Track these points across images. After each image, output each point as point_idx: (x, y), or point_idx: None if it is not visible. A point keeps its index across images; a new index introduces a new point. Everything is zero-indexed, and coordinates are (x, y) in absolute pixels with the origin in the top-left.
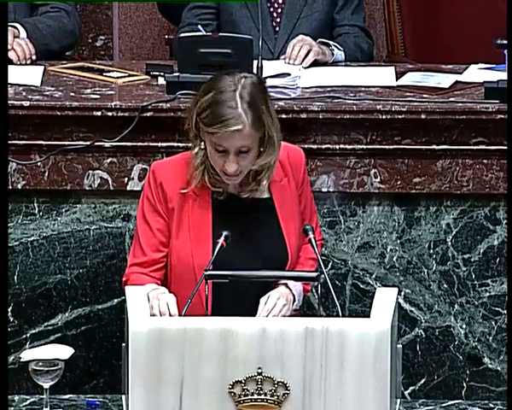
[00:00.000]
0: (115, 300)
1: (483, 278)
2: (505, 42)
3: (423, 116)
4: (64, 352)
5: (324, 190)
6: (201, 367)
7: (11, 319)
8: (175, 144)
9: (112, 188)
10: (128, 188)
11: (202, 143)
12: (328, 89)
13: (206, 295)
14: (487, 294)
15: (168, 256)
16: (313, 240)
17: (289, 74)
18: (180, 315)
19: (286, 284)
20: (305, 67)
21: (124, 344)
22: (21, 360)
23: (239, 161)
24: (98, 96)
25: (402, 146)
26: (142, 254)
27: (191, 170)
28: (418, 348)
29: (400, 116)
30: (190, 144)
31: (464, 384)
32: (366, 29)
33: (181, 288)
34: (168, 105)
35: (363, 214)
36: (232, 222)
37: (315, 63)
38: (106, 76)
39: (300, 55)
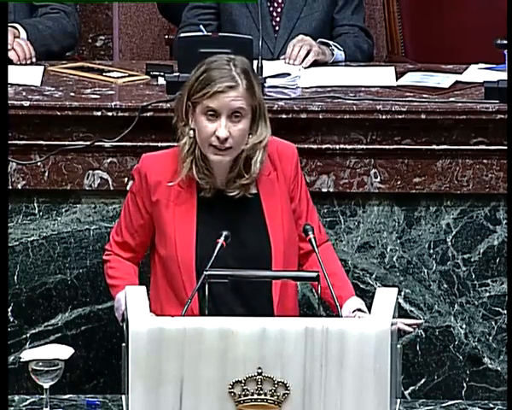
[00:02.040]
0: None
1: (483, 278)
2: (505, 42)
3: (423, 116)
4: (64, 352)
5: (324, 190)
6: (201, 367)
7: (11, 319)
8: (175, 144)
9: (112, 188)
10: (128, 188)
11: (191, 131)
12: (328, 89)
13: (206, 296)
14: (487, 294)
15: (157, 248)
16: (313, 240)
17: (289, 74)
18: (180, 315)
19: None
20: (305, 68)
21: (124, 344)
22: (21, 360)
23: (230, 128)
24: (98, 96)
25: (402, 146)
26: (120, 233)
27: (179, 162)
28: (418, 348)
29: (400, 116)
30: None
31: (464, 384)
32: (366, 29)
33: (169, 281)
34: (168, 105)
35: (363, 214)
36: (216, 217)
37: (315, 63)
38: (106, 76)
39: (300, 55)
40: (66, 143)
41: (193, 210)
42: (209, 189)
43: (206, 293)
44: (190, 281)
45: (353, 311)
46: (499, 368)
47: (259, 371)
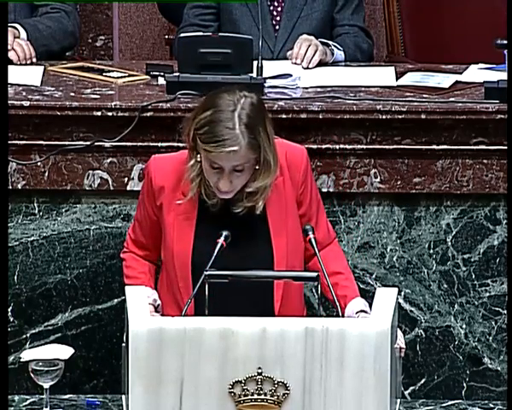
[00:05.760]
0: (115, 300)
1: (483, 278)
2: (505, 42)
3: (423, 116)
4: (64, 352)
5: (324, 190)
6: (201, 367)
7: (11, 319)
8: (175, 144)
9: (112, 188)
10: (128, 188)
11: (198, 155)
12: (328, 89)
13: (206, 296)
14: (487, 294)
15: (161, 250)
16: (313, 240)
17: (290, 75)
18: (180, 314)
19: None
20: (311, 68)
21: (124, 344)
22: (21, 360)
23: (233, 179)
24: (98, 96)
25: (402, 146)
26: (134, 231)
27: (187, 181)
28: (418, 348)
29: (400, 116)
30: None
31: (464, 384)
32: (366, 29)
33: (168, 285)
34: (168, 105)
35: (363, 214)
36: (217, 224)
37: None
38: (106, 76)
39: (308, 55)
40: (66, 143)
41: (193, 217)
42: (216, 203)
43: (206, 294)
44: (186, 286)
45: (357, 312)
46: (499, 368)
47: (259, 371)
